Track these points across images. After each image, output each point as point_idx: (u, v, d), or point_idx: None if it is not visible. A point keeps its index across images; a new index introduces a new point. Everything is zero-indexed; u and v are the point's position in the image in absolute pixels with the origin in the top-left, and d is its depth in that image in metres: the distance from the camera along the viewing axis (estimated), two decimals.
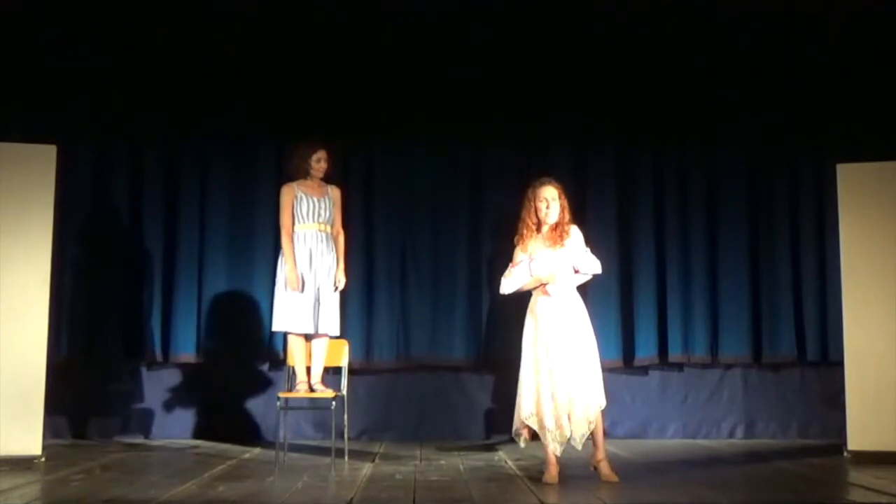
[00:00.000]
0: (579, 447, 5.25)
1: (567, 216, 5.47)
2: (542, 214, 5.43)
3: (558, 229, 5.43)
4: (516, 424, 5.42)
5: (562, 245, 5.40)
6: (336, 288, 6.23)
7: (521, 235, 5.50)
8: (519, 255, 5.49)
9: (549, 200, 5.43)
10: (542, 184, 5.49)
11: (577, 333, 5.33)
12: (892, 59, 7.11)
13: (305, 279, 6.13)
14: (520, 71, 7.40)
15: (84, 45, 7.19)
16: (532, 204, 5.47)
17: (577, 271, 5.46)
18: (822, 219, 7.30)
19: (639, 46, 7.36)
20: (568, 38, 7.35)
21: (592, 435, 5.28)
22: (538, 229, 5.48)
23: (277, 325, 6.23)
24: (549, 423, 5.23)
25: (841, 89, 7.30)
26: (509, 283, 5.51)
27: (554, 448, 5.23)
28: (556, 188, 5.47)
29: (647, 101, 7.43)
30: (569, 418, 5.21)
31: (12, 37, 7.04)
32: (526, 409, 5.30)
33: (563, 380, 5.23)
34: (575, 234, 5.47)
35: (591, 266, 5.48)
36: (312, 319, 6.13)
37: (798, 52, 7.35)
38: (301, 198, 6.22)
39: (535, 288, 5.45)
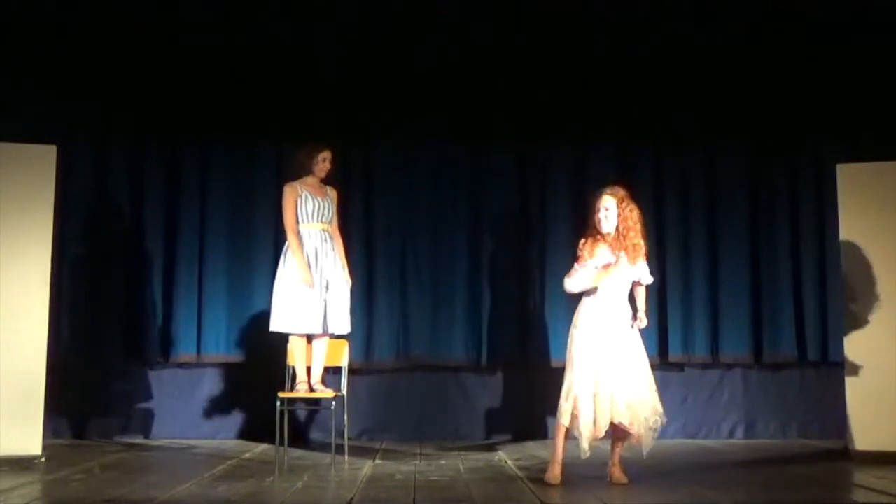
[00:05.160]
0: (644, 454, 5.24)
1: (631, 227, 5.36)
2: (599, 224, 5.35)
3: (629, 245, 5.34)
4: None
5: (633, 264, 5.37)
6: (348, 285, 6.25)
7: (587, 241, 5.39)
8: (586, 257, 5.35)
9: (605, 210, 5.35)
10: (602, 192, 5.41)
11: (630, 341, 5.32)
12: (893, 59, 7.11)
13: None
14: (520, 71, 7.40)
15: (84, 45, 7.19)
16: (594, 212, 5.39)
17: (640, 284, 5.49)
18: (823, 219, 7.30)
19: (638, 47, 7.36)
20: (568, 39, 7.34)
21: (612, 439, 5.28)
22: (603, 238, 5.37)
23: (280, 326, 6.15)
24: (586, 424, 5.14)
25: (841, 89, 7.30)
26: (574, 283, 5.37)
27: (584, 450, 5.15)
28: (615, 197, 5.37)
29: (646, 100, 7.42)
30: (611, 421, 5.17)
31: (12, 37, 7.03)
32: (566, 406, 5.21)
33: (619, 384, 5.18)
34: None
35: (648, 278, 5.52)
36: (320, 319, 6.11)
37: (798, 51, 7.35)
38: (306, 197, 6.20)
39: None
